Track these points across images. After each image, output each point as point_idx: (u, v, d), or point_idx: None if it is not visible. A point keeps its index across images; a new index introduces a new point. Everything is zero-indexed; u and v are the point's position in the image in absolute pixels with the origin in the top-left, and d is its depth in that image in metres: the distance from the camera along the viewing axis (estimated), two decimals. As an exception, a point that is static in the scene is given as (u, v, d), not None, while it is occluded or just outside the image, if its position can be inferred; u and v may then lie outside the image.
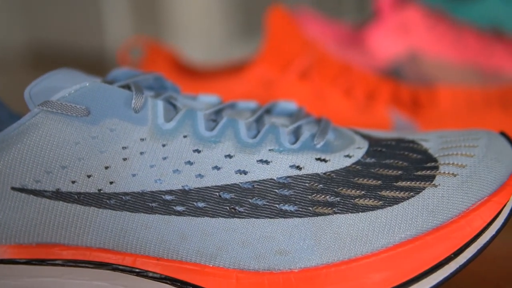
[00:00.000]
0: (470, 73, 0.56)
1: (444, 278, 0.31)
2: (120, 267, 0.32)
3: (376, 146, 0.33)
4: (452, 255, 0.31)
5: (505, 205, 0.32)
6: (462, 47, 0.57)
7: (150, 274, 0.32)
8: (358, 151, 0.33)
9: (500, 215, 0.32)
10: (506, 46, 0.58)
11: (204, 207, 0.31)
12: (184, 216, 0.31)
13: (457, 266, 0.31)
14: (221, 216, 0.31)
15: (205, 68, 0.51)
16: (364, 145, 0.33)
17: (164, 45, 0.49)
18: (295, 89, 0.45)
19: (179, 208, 0.31)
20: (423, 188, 0.31)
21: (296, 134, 0.33)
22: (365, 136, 0.35)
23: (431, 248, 0.30)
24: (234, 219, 0.31)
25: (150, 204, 0.31)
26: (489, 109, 0.45)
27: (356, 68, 0.47)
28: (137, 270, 0.32)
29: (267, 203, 0.31)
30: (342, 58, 0.56)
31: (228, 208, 0.31)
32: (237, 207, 0.31)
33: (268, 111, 0.36)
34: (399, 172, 0.32)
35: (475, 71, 0.56)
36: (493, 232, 0.32)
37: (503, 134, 0.35)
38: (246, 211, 0.31)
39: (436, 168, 0.32)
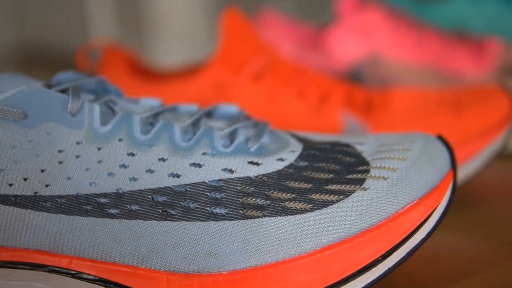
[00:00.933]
0: (431, 75, 0.56)
1: (372, 281, 0.31)
2: (56, 268, 0.33)
3: (310, 150, 0.34)
4: (380, 258, 0.31)
5: (436, 208, 0.32)
6: (423, 49, 0.57)
7: (85, 276, 0.32)
8: (291, 154, 0.33)
9: (431, 218, 0.32)
10: (467, 48, 0.58)
11: (137, 210, 0.32)
12: (118, 218, 0.32)
13: (386, 268, 0.31)
14: (154, 219, 0.32)
15: (163, 70, 0.51)
16: (298, 149, 0.34)
17: (123, 47, 0.50)
18: (249, 92, 0.45)
19: (112, 211, 0.32)
20: (353, 191, 0.32)
21: (231, 137, 0.34)
22: (301, 140, 0.35)
23: (359, 250, 0.31)
24: (166, 221, 0.31)
25: (84, 207, 0.32)
26: (442, 112, 0.46)
27: (310, 70, 0.47)
28: (72, 272, 0.33)
29: (199, 206, 0.31)
30: (303, 61, 0.57)
31: (160, 211, 0.32)
32: (169, 210, 0.32)
33: (210, 115, 0.37)
34: (331, 175, 0.32)
35: (435, 73, 0.56)
36: (423, 235, 0.32)
37: (440, 138, 0.35)
38: (178, 214, 0.31)
39: (367, 171, 0.32)
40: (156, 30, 1.11)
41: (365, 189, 0.32)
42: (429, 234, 0.32)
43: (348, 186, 0.32)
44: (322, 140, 0.35)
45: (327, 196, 0.31)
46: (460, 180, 0.44)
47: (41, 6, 1.27)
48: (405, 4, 0.66)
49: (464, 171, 0.44)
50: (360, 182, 0.32)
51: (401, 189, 0.32)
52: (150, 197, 0.32)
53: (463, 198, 0.45)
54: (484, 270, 0.36)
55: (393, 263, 0.31)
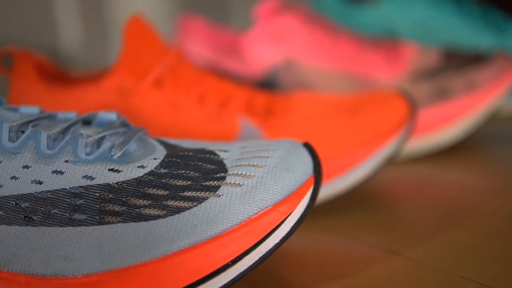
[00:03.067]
0: (345, 80, 0.57)
1: (223, 285, 0.32)
2: None
3: (172, 157, 0.35)
4: (230, 263, 0.32)
5: (290, 214, 0.33)
6: (338, 54, 0.58)
7: (-46, 279, 0.34)
8: (153, 161, 0.34)
9: (284, 224, 0.33)
10: (381, 53, 0.59)
11: (2, 215, 0.33)
12: None
13: (237, 273, 0.32)
14: (16, 224, 0.33)
15: (74, 76, 0.52)
16: (161, 156, 0.35)
17: (35, 53, 0.51)
18: (150, 98, 0.46)
19: (-21, 216, 0.33)
20: (206, 198, 0.33)
21: (99, 145, 0.35)
22: (170, 147, 0.36)
23: (208, 256, 0.32)
24: (28, 227, 0.33)
25: (-47, 213, 0.33)
26: (338, 116, 0.46)
27: (213, 76, 0.48)
28: None
29: (59, 212, 0.33)
30: (221, 67, 0.58)
31: (23, 216, 0.33)
32: (31, 216, 0.33)
33: (89, 122, 0.38)
34: (188, 182, 0.33)
35: (349, 78, 0.57)
36: (277, 240, 0.33)
37: (306, 145, 0.36)
38: (39, 220, 0.33)
39: (223, 178, 0.33)
40: (119, 31, 1.13)
41: (219, 196, 0.33)
42: (284, 240, 0.33)
43: (202, 192, 0.33)
44: (189, 147, 0.36)
45: (181, 202, 0.33)
46: (350, 185, 0.46)
47: (10, 8, 1.28)
48: (334, 9, 0.67)
49: (355, 176, 0.45)
50: (215, 189, 0.33)
51: (255, 196, 0.33)
52: (14, 203, 0.33)
53: (350, 202, 0.46)
54: (351, 274, 0.37)
55: (245, 267, 0.32)
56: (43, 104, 0.47)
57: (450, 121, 0.57)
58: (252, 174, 0.34)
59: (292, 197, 0.34)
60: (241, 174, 0.34)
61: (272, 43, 0.57)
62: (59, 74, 0.51)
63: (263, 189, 0.33)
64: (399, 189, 0.51)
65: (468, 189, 0.51)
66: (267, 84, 0.57)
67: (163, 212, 0.32)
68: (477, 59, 0.59)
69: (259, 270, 0.37)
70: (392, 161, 0.48)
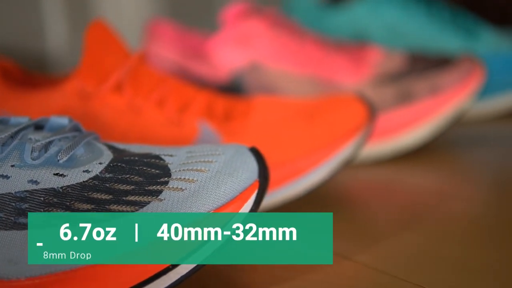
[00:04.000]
0: (310, 83, 0.58)
1: (165, 288, 0.33)
2: None
3: (117, 161, 0.35)
4: (171, 266, 0.33)
5: (232, 219, 0.34)
6: (303, 58, 0.58)
7: None
8: (98, 166, 0.35)
9: (226, 228, 0.34)
10: (345, 57, 0.59)
11: (-49, 219, 0.33)
12: None
13: (178, 276, 0.33)
14: (-35, 227, 0.33)
15: (40, 80, 0.53)
16: (107, 160, 0.35)
17: (0, 57, 0.51)
18: (110, 102, 0.46)
19: None
20: (148, 202, 0.33)
21: (46, 149, 0.35)
22: (117, 151, 0.36)
23: (149, 259, 0.32)
24: (-26, 230, 0.33)
25: None
26: (297, 120, 0.47)
27: (173, 80, 0.49)
28: None
29: (4, 216, 0.33)
30: (188, 70, 0.58)
31: None
32: (-21, 219, 0.33)
33: (41, 127, 0.38)
34: (132, 187, 0.34)
35: (314, 82, 0.58)
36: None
37: (253, 149, 0.37)
38: (-15, 223, 0.33)
39: (166, 183, 0.34)
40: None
41: (161, 200, 0.33)
42: (226, 243, 0.34)
43: (144, 197, 0.33)
44: (136, 151, 0.37)
45: (123, 207, 0.33)
46: (306, 188, 0.46)
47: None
48: (306, 12, 0.68)
49: (311, 179, 0.46)
50: (157, 193, 0.34)
51: (196, 200, 0.33)
52: (-39, 207, 0.33)
53: (308, 206, 0.47)
54: (299, 277, 0.37)
55: (186, 271, 0.33)
56: (7, 108, 0.47)
57: (414, 124, 0.57)
58: (195, 178, 0.34)
59: (234, 202, 0.34)
60: (184, 178, 0.34)
61: (238, 47, 0.58)
62: (25, 78, 0.52)
63: (205, 193, 0.34)
64: (360, 192, 0.52)
65: (430, 193, 0.52)
66: (233, 87, 0.57)
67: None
68: (442, 62, 0.59)
69: (207, 272, 0.38)
70: (349, 165, 0.49)
